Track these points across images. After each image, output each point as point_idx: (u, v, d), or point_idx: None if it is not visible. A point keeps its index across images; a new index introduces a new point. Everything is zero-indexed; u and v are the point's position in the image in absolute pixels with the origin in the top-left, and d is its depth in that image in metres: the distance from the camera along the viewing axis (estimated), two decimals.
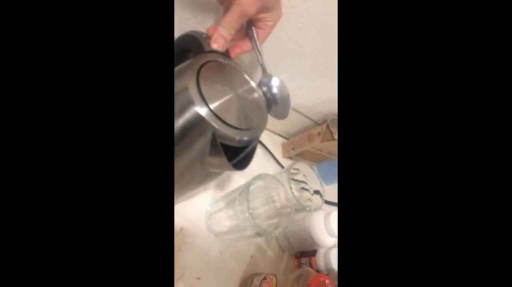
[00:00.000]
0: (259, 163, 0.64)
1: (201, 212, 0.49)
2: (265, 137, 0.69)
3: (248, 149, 0.32)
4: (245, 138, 0.31)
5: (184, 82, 0.28)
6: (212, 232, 0.48)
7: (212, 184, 0.53)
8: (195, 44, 0.34)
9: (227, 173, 0.57)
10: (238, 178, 0.58)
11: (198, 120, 0.28)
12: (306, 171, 0.55)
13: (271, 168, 0.66)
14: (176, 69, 0.32)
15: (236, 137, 0.30)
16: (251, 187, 0.44)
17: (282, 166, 0.67)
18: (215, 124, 0.28)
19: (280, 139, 0.74)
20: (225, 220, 0.47)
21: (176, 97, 0.29)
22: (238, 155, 0.32)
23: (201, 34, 0.34)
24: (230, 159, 0.30)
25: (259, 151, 0.66)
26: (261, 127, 0.33)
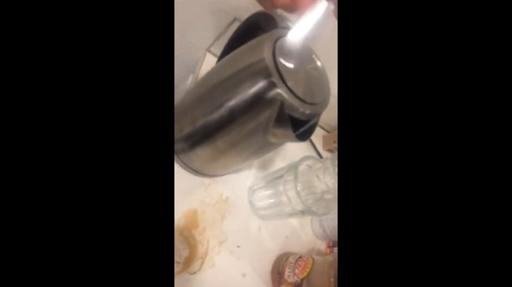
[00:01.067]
0: (300, 151, 0.65)
1: (245, 187, 0.51)
2: None
3: (311, 122, 0.34)
4: (308, 111, 0.32)
5: (261, 52, 0.30)
6: (253, 207, 0.50)
7: (255, 163, 0.55)
8: (268, 22, 0.36)
9: (270, 154, 0.59)
10: (279, 161, 0.59)
11: (271, 89, 0.30)
12: None
13: None
14: (251, 42, 0.34)
15: (301, 108, 0.31)
16: (299, 167, 0.45)
17: (321, 157, 0.68)
18: (286, 94, 0.30)
19: (321, 131, 0.75)
20: (265, 197, 0.49)
21: (251, 67, 0.31)
22: (298, 128, 0.33)
23: (274, 12, 0.36)
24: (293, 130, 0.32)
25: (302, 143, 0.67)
26: (324, 104, 0.34)
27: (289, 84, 0.31)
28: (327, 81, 0.36)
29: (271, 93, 0.30)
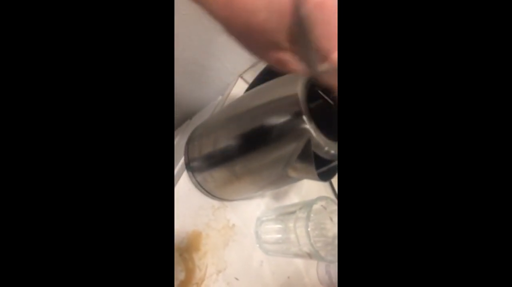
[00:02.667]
0: (317, 189, 0.64)
1: (254, 216, 0.50)
2: None
3: (334, 163, 0.33)
4: (333, 151, 0.31)
5: (295, 87, 0.31)
6: (259, 239, 0.48)
7: (269, 194, 0.54)
8: None
9: (286, 188, 0.58)
10: (294, 196, 0.58)
11: (300, 124, 0.29)
12: None
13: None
14: (287, 76, 0.34)
15: (326, 147, 0.30)
16: (314, 206, 0.44)
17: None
18: (314, 132, 0.29)
19: None
20: (273, 231, 0.47)
21: (283, 100, 0.31)
22: (320, 167, 0.32)
23: None
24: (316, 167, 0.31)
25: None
26: None
27: (317, 122, 0.30)
28: None
29: (299, 128, 0.30)
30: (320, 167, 0.32)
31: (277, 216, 0.48)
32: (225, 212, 0.46)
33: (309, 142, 0.29)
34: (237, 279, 0.43)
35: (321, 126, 0.32)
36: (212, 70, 0.61)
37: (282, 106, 0.31)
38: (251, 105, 0.35)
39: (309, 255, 0.41)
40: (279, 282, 0.48)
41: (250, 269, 0.46)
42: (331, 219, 0.48)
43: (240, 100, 0.39)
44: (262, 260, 0.47)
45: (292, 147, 0.31)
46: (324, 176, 0.32)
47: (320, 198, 0.44)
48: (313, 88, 0.32)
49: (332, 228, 0.48)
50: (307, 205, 0.43)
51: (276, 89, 0.33)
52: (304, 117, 0.29)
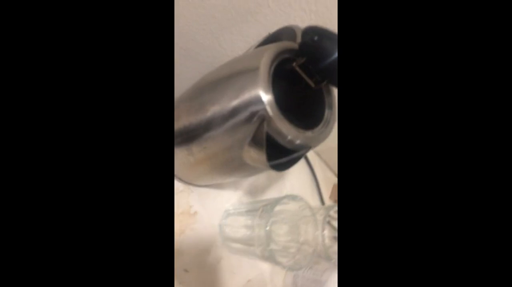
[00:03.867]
0: (302, 189, 0.59)
1: (222, 209, 0.46)
2: (319, 169, 0.63)
3: (295, 155, 0.28)
4: (298, 141, 0.27)
5: (260, 59, 0.26)
6: (222, 234, 0.44)
7: (244, 186, 0.50)
8: (290, 37, 0.32)
9: (265, 181, 0.53)
10: (273, 192, 0.53)
11: (255, 104, 0.25)
12: None
13: (311, 201, 0.59)
14: (261, 47, 0.30)
15: (289, 136, 0.26)
16: (280, 206, 0.39)
17: (323, 204, 0.60)
18: (271, 112, 0.25)
19: (335, 180, 0.67)
20: (239, 227, 0.43)
21: (244, 73, 0.27)
22: (279, 156, 0.28)
23: (298, 27, 0.32)
24: (271, 157, 0.26)
25: (306, 180, 0.61)
26: (319, 138, 0.28)
27: (282, 104, 0.26)
28: (334, 115, 0.31)
29: (255, 107, 0.25)
30: (278, 156, 0.28)
31: (247, 211, 0.44)
32: (188, 197, 0.43)
33: (262, 123, 0.25)
34: (186, 271, 0.39)
35: (292, 110, 0.27)
36: (208, 50, 0.58)
37: (241, 79, 0.27)
38: (214, 79, 0.31)
39: (266, 258, 0.37)
40: (237, 284, 0.44)
41: (205, 264, 0.42)
42: (306, 224, 0.43)
43: (209, 73, 0.35)
44: (221, 257, 0.43)
45: (245, 128, 0.26)
46: (278, 167, 0.27)
47: (289, 197, 0.39)
48: (290, 65, 0.28)
49: (304, 234, 0.43)
50: (271, 204, 0.38)
51: (243, 61, 0.29)
52: (262, 96, 0.25)
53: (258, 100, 0.25)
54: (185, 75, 0.67)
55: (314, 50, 0.26)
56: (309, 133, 0.27)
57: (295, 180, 0.58)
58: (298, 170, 0.60)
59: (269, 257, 0.36)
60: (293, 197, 0.39)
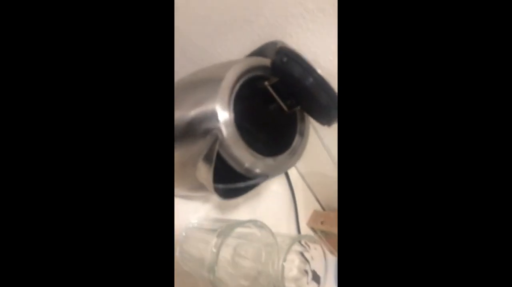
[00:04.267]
0: (278, 212, 0.56)
1: (185, 219, 0.43)
2: (300, 192, 0.60)
3: (250, 182, 0.25)
4: (253, 168, 0.24)
5: (224, 73, 0.24)
6: (180, 246, 0.41)
7: (215, 200, 0.47)
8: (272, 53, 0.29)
9: (239, 199, 0.51)
10: (246, 211, 0.50)
11: (211, 117, 0.23)
12: (317, 256, 0.44)
13: (285, 225, 0.57)
14: (239, 59, 0.28)
15: (244, 161, 0.23)
16: (242, 229, 0.36)
17: (298, 231, 0.57)
18: (225, 130, 0.22)
19: (315, 205, 0.64)
20: (196, 243, 0.40)
21: (207, 83, 0.25)
22: (232, 181, 0.25)
23: (281, 43, 0.30)
24: (221, 180, 0.24)
25: (285, 202, 0.58)
26: (281, 167, 0.26)
27: (246, 124, 0.23)
28: (302, 146, 0.28)
29: (209, 123, 0.23)
30: (230, 181, 0.25)
31: (208, 229, 0.41)
32: None
33: (215, 143, 0.22)
34: None
35: (258, 132, 0.25)
36: (204, 53, 0.56)
37: (202, 91, 0.24)
38: (187, 82, 0.29)
39: (211, 282, 0.34)
40: None
41: None
42: (268, 253, 0.40)
43: (188, 75, 0.33)
44: (177, 273, 0.40)
45: (201, 145, 0.24)
46: (225, 193, 0.25)
47: (253, 223, 0.36)
48: (263, 83, 0.26)
49: (264, 263, 0.40)
50: (231, 226, 0.35)
51: (212, 70, 0.27)
52: (218, 112, 0.22)
53: (214, 116, 0.23)
54: (179, 74, 0.65)
55: (283, 72, 0.23)
56: (269, 161, 0.25)
57: (272, 200, 0.55)
58: (277, 191, 0.58)
59: (213, 282, 0.33)
60: (255, 223, 0.36)
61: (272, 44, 0.31)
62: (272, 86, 0.25)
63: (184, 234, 0.42)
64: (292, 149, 0.27)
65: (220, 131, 0.22)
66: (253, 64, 0.25)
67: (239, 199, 0.51)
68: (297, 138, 0.27)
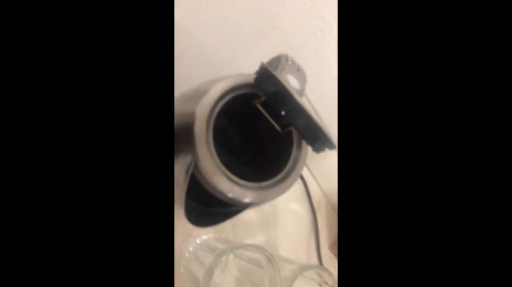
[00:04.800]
0: (297, 235, 0.52)
1: (196, 236, 0.42)
2: (323, 212, 0.56)
3: (229, 209, 0.23)
4: (230, 195, 0.22)
5: (208, 87, 0.22)
6: (185, 262, 0.41)
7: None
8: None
9: (254, 216, 0.49)
10: (260, 231, 0.48)
11: (187, 135, 0.21)
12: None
13: (304, 249, 0.52)
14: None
15: (230, 194, 0.21)
16: (241, 251, 0.34)
17: (319, 257, 0.52)
18: (199, 149, 0.21)
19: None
20: (199, 261, 0.39)
21: (194, 98, 0.23)
22: (206, 205, 0.23)
23: (285, 56, 0.28)
24: (197, 202, 0.22)
25: (306, 221, 0.53)
26: (265, 194, 0.23)
27: (227, 147, 0.22)
28: (297, 169, 0.25)
29: (186, 139, 0.21)
30: (204, 205, 0.23)
31: (210, 248, 0.39)
32: None
33: (189, 165, 0.21)
34: None
35: (247, 157, 0.23)
36: (226, 65, 0.56)
37: (189, 104, 0.23)
38: (189, 91, 0.28)
39: None
40: None
41: None
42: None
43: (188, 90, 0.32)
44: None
45: (181, 160, 0.23)
46: (201, 219, 0.23)
47: (255, 247, 0.34)
48: (252, 102, 0.24)
49: None
50: (230, 248, 0.33)
51: (204, 85, 0.26)
52: (195, 130, 0.21)
53: (189, 135, 0.21)
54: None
55: (263, 92, 0.21)
56: (251, 186, 0.22)
57: (291, 220, 0.52)
58: (297, 210, 0.54)
59: None
60: (255, 247, 0.34)
61: (278, 58, 0.29)
62: (263, 105, 0.23)
63: (191, 249, 0.41)
64: (282, 176, 0.24)
65: (194, 149, 0.21)
66: (241, 81, 0.23)
67: (253, 217, 0.49)
68: (291, 162, 0.24)
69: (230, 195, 0.21)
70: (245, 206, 0.23)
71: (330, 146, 0.20)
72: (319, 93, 0.43)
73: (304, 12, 0.39)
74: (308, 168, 0.56)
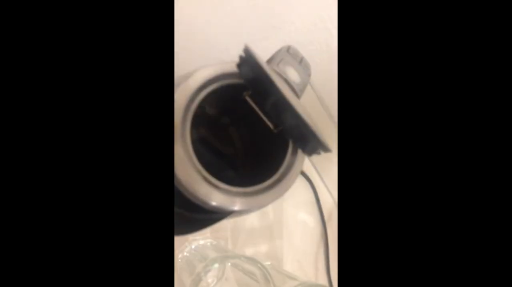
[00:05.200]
0: (304, 248, 0.48)
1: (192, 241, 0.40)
2: (334, 224, 0.51)
3: (209, 216, 0.20)
4: (212, 202, 0.19)
5: (190, 74, 0.20)
6: (179, 268, 0.38)
7: (226, 223, 0.43)
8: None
9: (255, 222, 0.45)
10: (261, 239, 0.44)
11: None
12: None
13: (312, 264, 0.48)
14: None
15: (215, 203, 0.18)
16: (237, 261, 0.31)
17: (328, 273, 0.48)
18: (176, 148, 0.18)
19: None
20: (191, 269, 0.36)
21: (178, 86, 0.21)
22: (189, 209, 0.20)
23: (286, 47, 0.25)
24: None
25: (314, 233, 0.49)
26: (251, 201, 0.20)
27: (209, 144, 0.19)
28: (291, 175, 0.21)
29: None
30: (187, 210, 0.20)
31: (202, 257, 0.37)
32: None
33: None
34: None
35: (233, 158, 0.20)
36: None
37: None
38: None
39: None
40: None
41: None
42: None
43: None
44: None
45: None
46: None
47: (247, 259, 0.31)
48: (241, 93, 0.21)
49: None
50: (220, 258, 0.30)
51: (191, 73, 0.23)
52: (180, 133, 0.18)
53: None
54: None
55: (246, 77, 0.18)
56: (234, 190, 0.19)
57: (298, 231, 0.48)
58: (305, 220, 0.50)
59: None
60: (252, 260, 0.30)
61: (283, 49, 0.26)
62: (252, 97, 0.20)
63: (185, 254, 0.39)
64: (275, 179, 0.21)
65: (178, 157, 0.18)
66: (231, 69, 0.20)
67: (256, 223, 0.46)
68: (284, 166, 0.21)
69: (211, 202, 0.18)
70: (227, 214, 0.20)
71: (324, 149, 0.17)
72: (329, 91, 0.40)
73: (314, 5, 0.36)
74: (319, 175, 0.52)
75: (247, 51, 0.18)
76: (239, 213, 0.21)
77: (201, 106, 0.19)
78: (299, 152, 0.22)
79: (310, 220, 0.50)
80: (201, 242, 0.40)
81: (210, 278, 0.32)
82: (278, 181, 0.21)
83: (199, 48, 0.53)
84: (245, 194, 0.20)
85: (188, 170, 0.18)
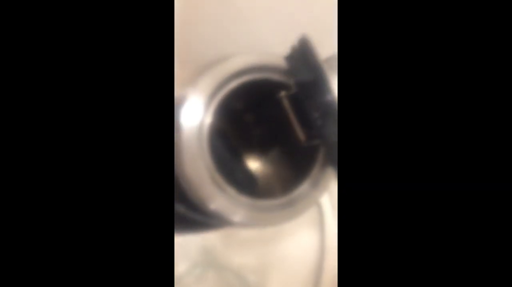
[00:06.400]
0: (299, 266, 0.45)
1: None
2: (332, 259, 0.47)
3: (205, 219, 0.17)
4: (211, 206, 0.16)
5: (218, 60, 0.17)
6: None
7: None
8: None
9: (252, 232, 0.42)
10: (254, 255, 0.41)
11: (179, 115, 0.16)
12: None
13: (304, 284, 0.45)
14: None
15: (211, 205, 0.16)
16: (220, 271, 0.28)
17: None
18: (185, 137, 0.15)
19: None
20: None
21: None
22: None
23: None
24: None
25: (313, 250, 0.46)
26: (262, 217, 0.17)
27: (227, 141, 0.16)
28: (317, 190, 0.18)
29: (179, 123, 0.16)
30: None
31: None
32: None
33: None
34: None
35: (248, 161, 0.17)
36: None
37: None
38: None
39: None
40: None
41: None
42: None
43: None
44: None
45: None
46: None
47: (231, 274, 0.28)
48: (277, 93, 0.18)
49: None
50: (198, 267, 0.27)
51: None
52: (180, 119, 0.15)
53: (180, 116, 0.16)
54: None
55: (298, 77, 0.15)
56: (240, 199, 0.16)
57: (295, 246, 0.44)
58: (303, 235, 0.46)
59: None
60: (234, 275, 0.27)
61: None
62: (292, 99, 0.17)
63: None
64: (293, 197, 0.18)
65: (179, 137, 0.15)
66: (268, 62, 0.18)
67: (253, 233, 0.43)
68: (307, 184, 0.18)
69: (210, 205, 0.16)
70: (224, 224, 0.17)
71: None
72: None
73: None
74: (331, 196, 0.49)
75: (303, 43, 0.15)
76: (237, 225, 0.18)
77: (228, 96, 0.17)
78: (327, 172, 0.18)
79: (309, 243, 0.47)
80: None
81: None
82: (295, 200, 0.18)
83: (199, 48, 0.51)
84: (251, 207, 0.17)
85: (196, 163, 0.15)
